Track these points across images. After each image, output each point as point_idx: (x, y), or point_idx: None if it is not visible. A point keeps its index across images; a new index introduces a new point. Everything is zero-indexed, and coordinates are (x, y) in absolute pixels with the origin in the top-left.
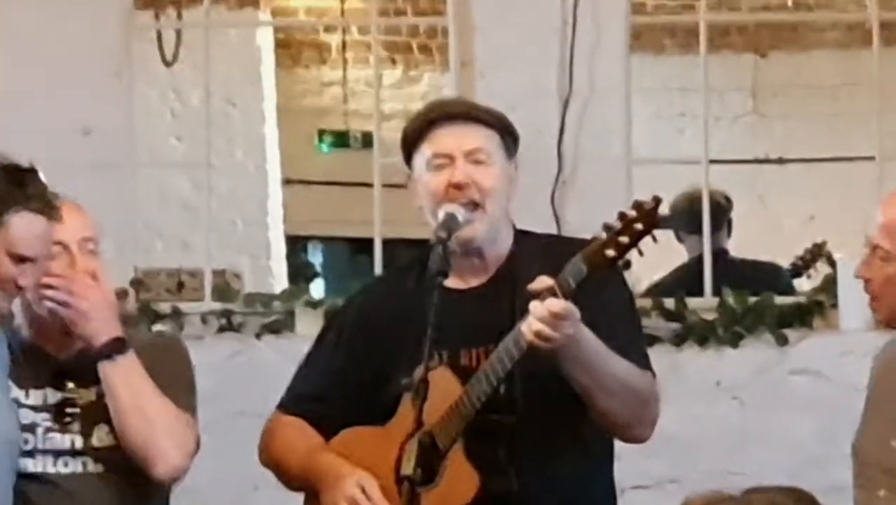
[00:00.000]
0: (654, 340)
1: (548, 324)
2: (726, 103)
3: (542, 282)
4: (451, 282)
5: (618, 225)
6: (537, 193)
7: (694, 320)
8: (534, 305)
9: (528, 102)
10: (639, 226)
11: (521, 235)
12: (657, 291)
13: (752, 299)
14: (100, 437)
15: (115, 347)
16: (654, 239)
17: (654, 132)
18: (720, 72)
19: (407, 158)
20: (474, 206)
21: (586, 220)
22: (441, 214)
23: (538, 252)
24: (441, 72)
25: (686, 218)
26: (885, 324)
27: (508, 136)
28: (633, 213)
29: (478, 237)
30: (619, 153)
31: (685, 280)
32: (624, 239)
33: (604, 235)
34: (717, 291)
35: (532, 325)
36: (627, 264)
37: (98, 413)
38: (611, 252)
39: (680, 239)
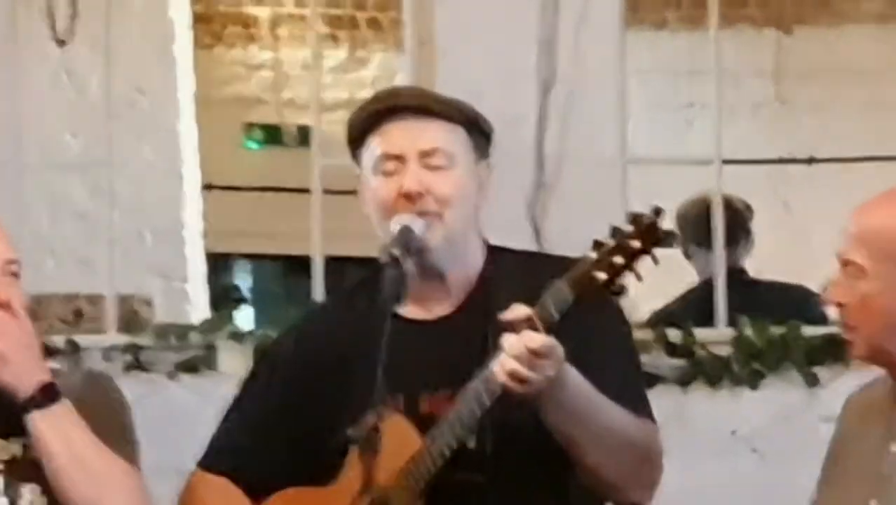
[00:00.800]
0: (655, 380)
1: (524, 363)
2: (743, 90)
3: (518, 311)
4: (410, 311)
5: (610, 243)
6: (511, 201)
7: (704, 356)
8: (508, 340)
9: (501, 89)
10: (636, 244)
11: (495, 253)
12: (660, 320)
13: (776, 330)
14: (30, 499)
15: (46, 395)
16: (655, 260)
17: (656, 125)
18: (736, 51)
19: (354, 155)
20: (430, 217)
21: (571, 233)
22: (394, 227)
23: (517, 274)
24: (395, 52)
25: (696, 230)
26: (864, 359)
27: (478, 132)
28: (628, 228)
29: (432, 248)
30: (612, 151)
31: (694, 307)
32: (618, 260)
33: (593, 255)
34: (732, 321)
35: (505, 364)
36: (622, 290)
37: (24, 470)
38: (601, 275)
39: (688, 256)
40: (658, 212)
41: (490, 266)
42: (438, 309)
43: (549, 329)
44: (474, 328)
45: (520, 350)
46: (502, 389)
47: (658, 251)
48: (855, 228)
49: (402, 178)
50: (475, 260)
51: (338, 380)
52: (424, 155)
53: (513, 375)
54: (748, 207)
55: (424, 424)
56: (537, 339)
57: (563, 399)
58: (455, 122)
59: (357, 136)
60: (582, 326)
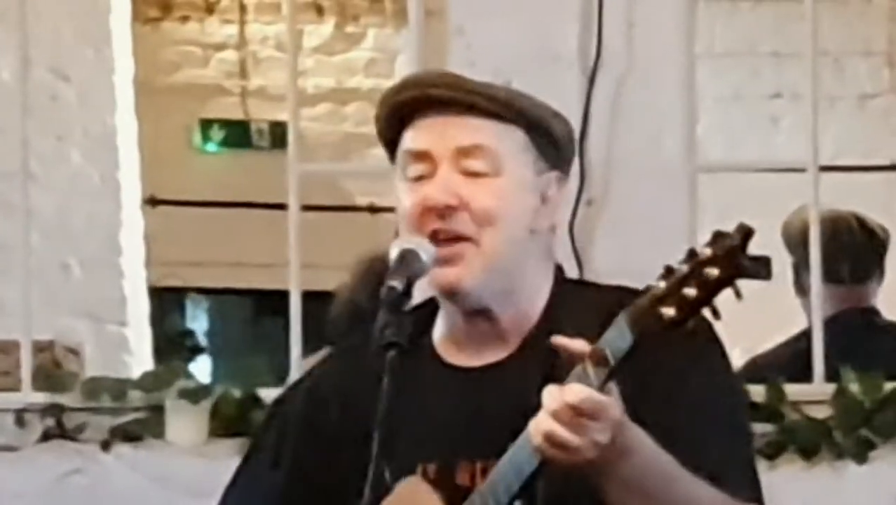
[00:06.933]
0: None
1: (564, 422)
2: (847, 76)
3: (573, 344)
4: (454, 355)
5: (683, 269)
6: None
7: (796, 420)
8: (548, 391)
9: (531, 76)
10: (714, 272)
11: (566, 287)
12: (750, 373)
13: (889, 387)
14: None
15: None
16: (738, 294)
17: (732, 123)
18: (838, 26)
19: (392, 158)
20: (457, 239)
21: (623, 260)
22: (393, 252)
23: (590, 311)
24: (395, 27)
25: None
26: None
27: (541, 135)
28: (707, 251)
29: (462, 287)
30: (675, 156)
31: (800, 358)
32: (690, 292)
33: (661, 285)
34: (832, 374)
35: (541, 423)
36: (695, 332)
37: None
38: (669, 312)
39: (803, 289)
40: (746, 232)
41: (557, 302)
42: (489, 354)
43: (609, 375)
44: (531, 378)
45: (558, 405)
46: (540, 457)
47: (743, 283)
48: None
49: (429, 186)
50: (537, 294)
51: (356, 449)
52: (461, 154)
53: (549, 438)
54: (883, 230)
55: (459, 497)
56: (578, 392)
57: (627, 475)
58: (509, 123)
59: (390, 133)
60: (667, 372)
